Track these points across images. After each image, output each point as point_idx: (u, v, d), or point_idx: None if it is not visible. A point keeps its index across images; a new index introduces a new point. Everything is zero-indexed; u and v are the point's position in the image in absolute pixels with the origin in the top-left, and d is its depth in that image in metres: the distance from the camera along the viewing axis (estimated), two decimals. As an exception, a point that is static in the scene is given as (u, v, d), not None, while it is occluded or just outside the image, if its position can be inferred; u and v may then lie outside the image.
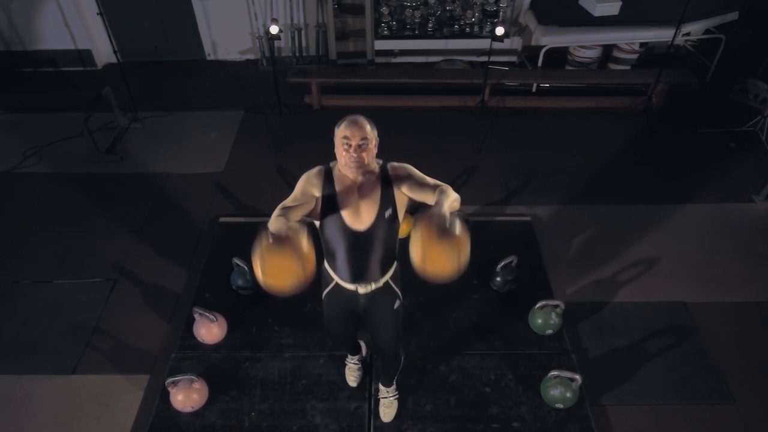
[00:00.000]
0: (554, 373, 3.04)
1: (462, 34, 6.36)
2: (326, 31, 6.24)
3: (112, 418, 3.11)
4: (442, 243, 1.75)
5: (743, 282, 3.85)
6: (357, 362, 3.16)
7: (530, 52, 6.42)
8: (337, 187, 2.13)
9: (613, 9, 5.61)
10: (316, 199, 2.13)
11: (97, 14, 5.15)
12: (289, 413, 3.06)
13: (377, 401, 3.07)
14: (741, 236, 4.22)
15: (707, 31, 5.93)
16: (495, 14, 6.18)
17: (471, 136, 5.33)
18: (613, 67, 6.23)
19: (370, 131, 2.06)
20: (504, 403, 3.11)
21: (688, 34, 5.81)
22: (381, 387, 3.03)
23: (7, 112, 5.66)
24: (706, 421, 3.08)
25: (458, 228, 1.77)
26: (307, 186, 2.13)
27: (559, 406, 3.05)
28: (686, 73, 5.68)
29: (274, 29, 4.98)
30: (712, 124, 5.37)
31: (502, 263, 3.65)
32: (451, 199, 1.93)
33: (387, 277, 2.36)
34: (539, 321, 3.42)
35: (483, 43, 5.88)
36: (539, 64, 5.99)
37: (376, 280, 2.33)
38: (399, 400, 3.07)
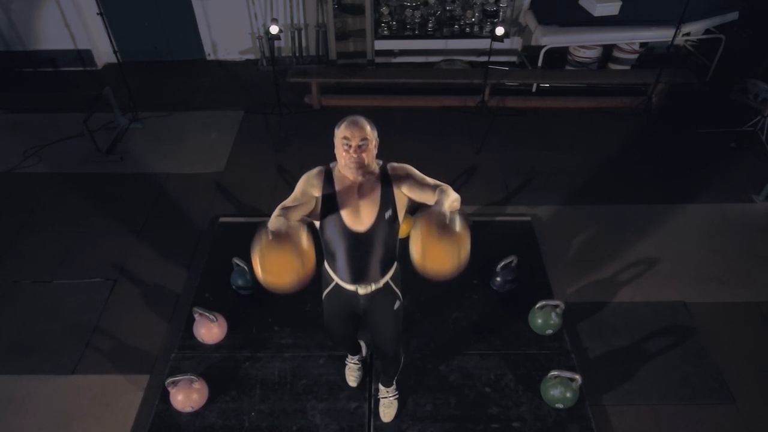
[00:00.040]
0: (554, 373, 3.04)
1: (462, 34, 6.36)
2: (326, 31, 6.24)
3: (112, 418, 3.11)
4: (442, 239, 1.75)
5: (743, 282, 3.85)
6: (357, 362, 3.16)
7: (530, 52, 6.42)
8: (337, 188, 2.13)
9: (613, 9, 5.61)
10: (316, 199, 2.13)
11: (97, 14, 5.15)
12: (289, 413, 3.06)
13: (377, 401, 3.07)
14: (741, 236, 4.22)
15: (707, 31, 5.93)
16: (495, 14, 6.18)
17: (471, 136, 5.33)
18: (613, 67, 6.23)
19: (370, 132, 2.06)
20: (504, 403, 3.11)
21: (688, 34, 5.81)
22: (381, 387, 3.03)
23: (7, 112, 5.66)
24: (706, 421, 3.08)
25: (458, 225, 1.77)
26: (307, 186, 2.13)
27: (559, 406, 3.05)
28: (686, 73, 5.68)
29: (274, 29, 4.98)
30: (712, 124, 5.37)
31: (502, 263, 3.65)
32: (452, 199, 1.93)
33: (387, 277, 2.36)
34: (539, 321, 3.42)
35: (483, 43, 5.88)
36: (539, 64, 5.99)
37: (376, 281, 2.33)
38: (399, 400, 3.08)
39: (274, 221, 1.84)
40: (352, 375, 3.18)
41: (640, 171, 4.89)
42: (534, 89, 5.97)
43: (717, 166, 4.92)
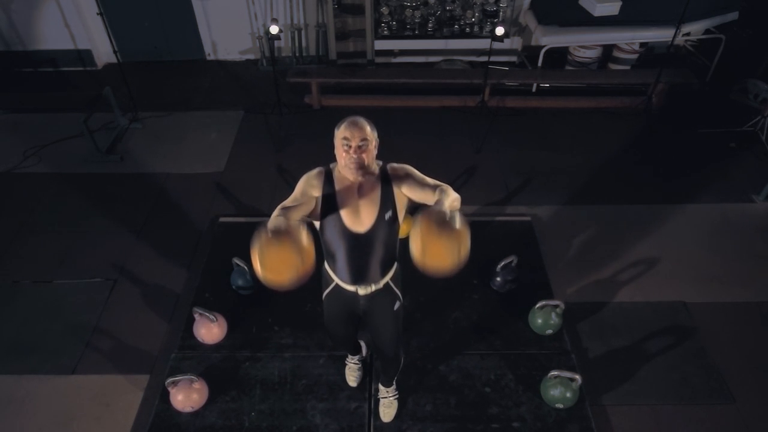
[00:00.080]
0: (554, 373, 3.04)
1: (462, 34, 6.36)
2: (326, 31, 6.24)
3: (112, 418, 3.11)
4: (442, 236, 1.74)
5: (743, 282, 3.85)
6: (357, 362, 3.16)
7: (530, 52, 6.42)
8: (337, 189, 2.12)
9: (613, 9, 5.61)
10: (316, 199, 2.12)
11: (97, 14, 5.15)
12: (289, 413, 3.06)
13: (377, 401, 3.07)
14: (741, 236, 4.22)
15: (707, 31, 5.93)
16: (495, 14, 6.18)
17: (471, 136, 5.33)
18: (613, 67, 6.23)
19: (370, 132, 2.06)
20: (504, 403, 3.11)
21: (688, 34, 5.81)
22: (381, 387, 3.03)
23: (7, 112, 5.66)
24: (706, 421, 3.08)
25: (458, 222, 1.77)
26: (307, 187, 2.12)
27: (559, 406, 3.05)
28: (686, 73, 5.68)
29: (274, 29, 4.98)
30: (712, 124, 5.37)
31: (502, 263, 3.65)
32: (452, 198, 1.94)
33: (387, 278, 2.36)
34: (539, 321, 3.42)
35: (483, 43, 5.88)
36: (539, 64, 5.99)
37: (376, 282, 2.33)
38: (399, 400, 3.08)
39: (274, 221, 1.84)
40: (352, 375, 3.18)
41: (640, 171, 4.89)
42: (534, 89, 5.97)
43: (717, 166, 4.92)
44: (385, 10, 6.20)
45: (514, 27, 6.36)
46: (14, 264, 4.03)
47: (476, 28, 6.34)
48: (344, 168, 2.08)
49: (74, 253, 4.10)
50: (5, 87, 6.14)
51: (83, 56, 6.41)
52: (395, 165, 2.18)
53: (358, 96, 5.83)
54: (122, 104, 5.46)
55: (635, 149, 5.16)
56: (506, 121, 5.54)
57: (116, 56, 5.36)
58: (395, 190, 2.14)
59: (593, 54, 6.04)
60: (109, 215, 4.43)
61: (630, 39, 5.80)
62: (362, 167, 2.06)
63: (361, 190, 2.13)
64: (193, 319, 3.41)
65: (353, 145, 2.02)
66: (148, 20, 6.25)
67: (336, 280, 2.35)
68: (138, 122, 5.49)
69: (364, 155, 2.04)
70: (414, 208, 2.15)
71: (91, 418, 3.11)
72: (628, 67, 6.16)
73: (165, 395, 3.07)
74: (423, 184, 2.10)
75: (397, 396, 3.05)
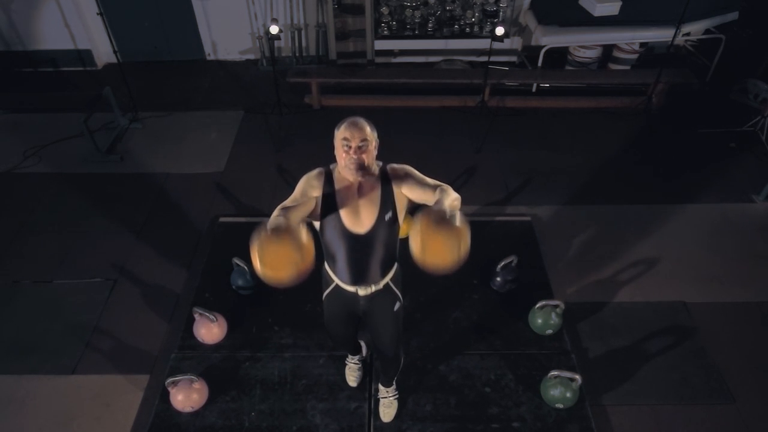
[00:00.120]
0: (554, 373, 3.04)
1: (462, 34, 6.36)
2: (326, 31, 6.24)
3: (112, 418, 3.11)
4: (442, 233, 1.74)
5: (743, 282, 3.85)
6: (357, 362, 3.16)
7: (530, 52, 6.42)
8: (337, 190, 2.12)
9: (613, 9, 5.61)
10: (316, 200, 2.12)
11: (97, 14, 5.15)
12: (289, 413, 3.06)
13: (377, 401, 3.07)
14: (741, 236, 4.22)
15: (707, 31, 5.93)
16: (495, 14, 6.18)
17: (471, 136, 5.33)
18: (613, 67, 6.23)
19: (370, 133, 2.06)
20: (504, 403, 3.11)
21: (688, 34, 5.81)
22: (381, 387, 3.03)
23: (7, 112, 5.66)
24: (706, 421, 3.08)
25: (458, 219, 1.77)
26: (307, 188, 2.12)
27: (559, 406, 3.05)
28: (686, 73, 5.67)
29: (274, 29, 4.98)
30: (712, 124, 5.37)
31: (502, 263, 3.65)
32: (452, 198, 1.94)
33: (387, 279, 2.36)
34: (539, 321, 3.42)
35: (483, 43, 5.88)
36: (539, 64, 5.99)
37: (376, 283, 2.33)
38: (399, 400, 3.08)
39: (274, 220, 1.84)
40: (352, 375, 3.18)
41: (640, 171, 4.89)
42: (534, 89, 5.97)
43: (717, 166, 4.92)
44: (385, 10, 6.20)
45: (514, 27, 6.36)
46: (14, 264, 4.03)
47: (476, 28, 6.34)
48: (344, 168, 2.08)
49: (74, 253, 4.10)
50: (5, 87, 6.14)
51: (83, 56, 6.41)
52: (395, 165, 2.18)
53: (358, 96, 5.83)
54: (122, 104, 5.46)
55: (635, 149, 5.16)
56: (506, 121, 5.54)
57: (116, 56, 5.37)
58: (395, 190, 2.14)
59: (593, 54, 6.04)
60: (109, 215, 4.43)
61: (630, 39, 5.80)
62: (362, 168, 2.06)
63: (361, 191, 2.13)
64: (193, 319, 3.41)
65: (353, 146, 2.02)
66: (148, 20, 6.25)
67: (336, 280, 2.35)
68: (138, 122, 5.49)
69: (364, 156, 2.04)
70: (414, 209, 2.15)
71: (91, 418, 3.11)
72: (628, 67, 6.15)
73: (165, 395, 3.07)
74: (423, 185, 2.10)
75: (397, 396, 3.05)
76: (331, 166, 2.18)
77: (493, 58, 5.35)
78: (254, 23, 6.33)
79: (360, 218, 2.13)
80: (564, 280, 3.85)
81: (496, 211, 4.46)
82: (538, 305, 3.43)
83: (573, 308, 3.63)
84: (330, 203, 2.12)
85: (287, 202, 2.04)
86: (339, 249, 2.21)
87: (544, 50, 5.87)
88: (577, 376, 3.02)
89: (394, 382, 2.99)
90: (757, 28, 6.17)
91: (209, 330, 3.37)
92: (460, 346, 3.39)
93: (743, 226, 4.31)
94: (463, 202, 2.07)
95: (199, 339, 3.40)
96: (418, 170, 2.18)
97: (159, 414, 3.05)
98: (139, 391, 3.23)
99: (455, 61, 6.47)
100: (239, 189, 4.70)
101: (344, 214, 2.12)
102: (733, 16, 5.83)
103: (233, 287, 3.69)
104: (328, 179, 2.14)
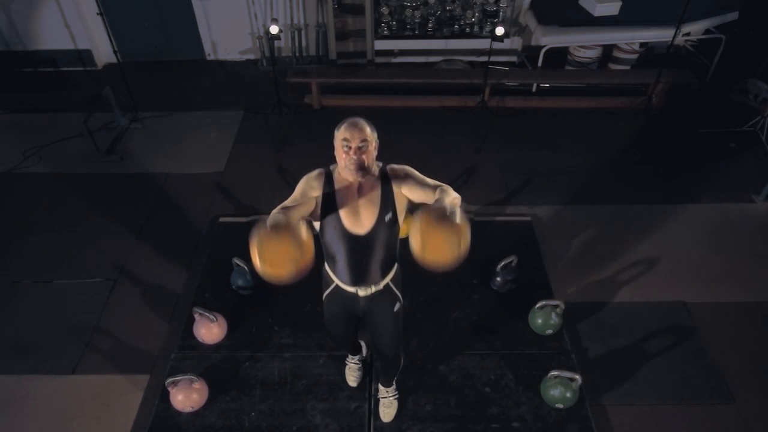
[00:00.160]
0: (554, 373, 3.04)
1: (462, 34, 6.36)
2: (326, 31, 6.24)
3: (112, 418, 3.11)
4: (443, 230, 1.74)
5: (743, 282, 3.85)
6: (357, 362, 3.16)
7: (530, 52, 6.42)
8: (337, 190, 2.12)
9: (613, 9, 5.61)
10: (316, 200, 2.12)
11: (97, 14, 5.16)
12: (289, 413, 3.06)
13: (377, 401, 3.07)
14: (741, 236, 4.22)
15: (707, 31, 5.93)
16: (495, 14, 6.18)
17: (471, 136, 5.33)
18: (613, 67, 6.23)
19: (370, 133, 2.06)
20: (504, 403, 3.11)
21: (688, 34, 5.81)
22: (381, 387, 3.03)
23: (7, 112, 5.66)
24: (706, 421, 3.08)
25: (458, 216, 1.77)
26: (307, 188, 2.12)
27: (559, 406, 3.05)
28: (686, 73, 5.68)
29: (274, 29, 4.98)
30: (712, 124, 5.37)
31: (502, 263, 3.65)
32: (452, 197, 1.94)
33: (387, 279, 2.36)
34: (539, 321, 3.42)
35: (483, 43, 5.88)
36: (539, 64, 5.99)
37: (376, 283, 2.33)
38: (399, 400, 3.08)
39: (273, 217, 1.84)
40: (352, 375, 3.18)
41: (640, 171, 4.89)
42: (534, 89, 5.97)
43: (717, 166, 4.92)
44: (385, 10, 6.20)
45: (514, 27, 6.36)
46: (14, 264, 4.03)
47: (476, 28, 6.34)
48: (344, 169, 2.08)
49: (74, 253, 4.10)
50: (5, 87, 6.14)
51: (83, 56, 6.41)
52: (395, 166, 2.18)
53: (358, 96, 5.83)
54: (122, 104, 5.46)
55: (635, 149, 5.16)
56: (506, 121, 5.54)
57: (116, 56, 5.37)
58: (395, 191, 2.14)
59: (593, 54, 6.04)
60: (109, 215, 4.43)
61: (630, 39, 5.80)
62: (362, 168, 2.06)
63: (361, 192, 2.12)
64: (193, 319, 3.41)
65: (353, 146, 2.02)
66: (148, 20, 6.25)
67: (336, 281, 2.35)
68: (138, 122, 5.49)
69: (363, 156, 2.04)
70: (414, 209, 2.15)
71: (91, 418, 3.11)
72: (628, 67, 6.15)
73: (165, 395, 3.07)
74: (423, 185, 2.09)
75: (397, 396, 3.05)
76: (331, 167, 2.17)
77: (493, 58, 5.35)
78: (254, 23, 6.33)
79: (360, 219, 2.13)
80: (564, 280, 3.85)
81: (496, 211, 4.46)
82: (538, 305, 3.43)
83: (573, 308, 3.63)
84: (330, 204, 2.12)
85: (287, 203, 2.04)
86: (339, 250, 2.21)
87: (544, 50, 5.87)
88: (577, 376, 3.02)
89: (394, 382, 2.99)
90: (757, 28, 6.17)
91: (209, 330, 3.37)
92: (460, 346, 3.39)
93: (743, 226, 4.31)
94: (463, 202, 2.07)
95: (199, 339, 3.40)
96: (418, 170, 2.18)
97: (159, 414, 3.05)
98: (139, 391, 3.23)
99: (455, 61, 6.47)
100: (239, 189, 4.70)
101: (344, 214, 2.12)
102: (733, 16, 5.83)
103: (233, 287, 3.69)
104: (328, 180, 2.13)
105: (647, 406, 3.15)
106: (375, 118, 2.19)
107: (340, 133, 2.05)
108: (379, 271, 2.29)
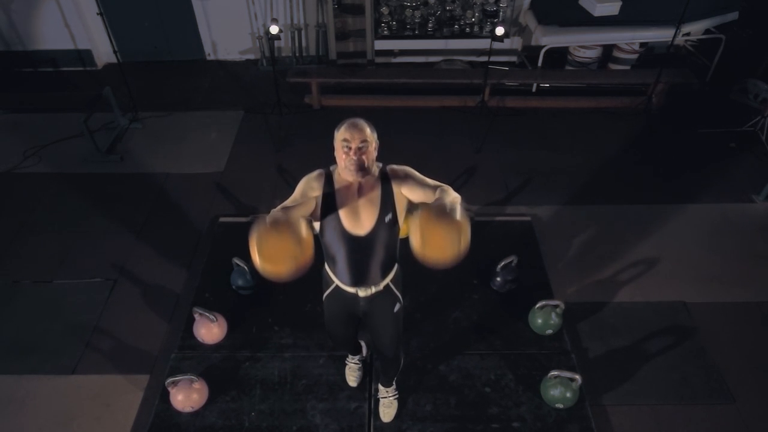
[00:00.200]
0: (554, 373, 3.04)
1: (462, 34, 6.36)
2: (326, 31, 6.24)
3: (112, 418, 3.11)
4: (443, 227, 1.74)
5: (743, 282, 3.85)
6: (357, 362, 3.16)
7: (530, 52, 6.42)
8: (337, 191, 2.12)
9: (613, 9, 5.61)
10: (316, 200, 2.12)
11: (97, 14, 5.16)
12: (289, 413, 3.06)
13: (377, 401, 3.07)
14: (741, 236, 4.22)
15: (707, 31, 5.93)
16: (495, 14, 6.18)
17: (471, 136, 5.33)
18: (613, 67, 6.23)
19: (370, 134, 2.06)
20: (504, 403, 3.11)
21: (688, 34, 5.81)
22: (381, 387, 3.03)
23: (7, 112, 5.66)
24: (706, 421, 3.08)
25: (458, 213, 1.77)
26: (307, 189, 2.12)
27: (559, 406, 3.05)
28: (686, 73, 5.68)
29: (274, 29, 4.98)
30: (712, 124, 5.37)
31: (502, 263, 3.64)
32: (452, 197, 1.94)
33: (387, 280, 2.36)
34: (539, 321, 3.42)
35: (483, 43, 5.88)
36: (539, 64, 5.99)
37: (376, 284, 2.33)
38: (399, 400, 3.08)
39: (273, 214, 1.84)
40: (352, 375, 3.18)
41: (640, 171, 4.89)
42: (534, 89, 5.97)
43: (717, 166, 4.92)
44: (385, 10, 6.20)
45: (514, 27, 6.36)
46: (14, 264, 4.03)
47: (476, 28, 6.34)
48: (344, 170, 2.08)
49: (74, 253, 4.10)
50: (5, 87, 6.14)
51: (83, 56, 6.41)
52: (395, 167, 2.18)
53: (358, 96, 5.83)
54: (122, 104, 5.46)
55: (635, 149, 5.16)
56: (506, 121, 5.54)
57: (116, 56, 5.37)
58: (395, 191, 2.14)
59: (593, 54, 6.04)
60: (109, 215, 4.43)
61: (630, 39, 5.80)
62: (362, 169, 2.05)
63: (360, 192, 2.12)
64: (193, 319, 3.41)
65: (353, 147, 2.02)
66: (148, 20, 6.25)
67: (336, 281, 2.35)
68: (138, 122, 5.49)
69: (363, 157, 2.04)
70: (413, 208, 2.14)
71: (91, 418, 3.11)
72: (628, 67, 6.15)
73: (165, 395, 3.07)
74: (423, 185, 2.10)
75: (397, 396, 3.05)
76: (331, 168, 2.17)
77: (493, 58, 5.35)
78: (254, 23, 6.33)
79: (360, 220, 2.13)
80: (564, 280, 3.85)
81: (496, 211, 4.46)
82: (538, 305, 3.43)
83: (573, 308, 3.63)
84: (330, 204, 2.12)
85: (287, 203, 2.04)
86: (339, 250, 2.20)
87: (544, 50, 5.87)
88: (577, 376, 3.02)
89: (394, 382, 2.99)
90: (757, 28, 6.17)
91: (209, 330, 3.37)
92: (460, 346, 3.39)
93: (743, 226, 4.31)
94: (463, 202, 2.07)
95: (199, 339, 3.40)
96: (418, 170, 2.18)
97: (159, 414, 3.05)
98: (139, 391, 3.23)
99: (455, 61, 6.47)
100: (239, 189, 4.70)
101: (344, 215, 2.12)
102: (733, 16, 5.83)
103: (233, 287, 3.69)
104: (328, 180, 2.13)
105: (647, 406, 3.15)
106: (375, 118, 2.19)
107: (340, 134, 2.05)
108: (379, 272, 2.29)
